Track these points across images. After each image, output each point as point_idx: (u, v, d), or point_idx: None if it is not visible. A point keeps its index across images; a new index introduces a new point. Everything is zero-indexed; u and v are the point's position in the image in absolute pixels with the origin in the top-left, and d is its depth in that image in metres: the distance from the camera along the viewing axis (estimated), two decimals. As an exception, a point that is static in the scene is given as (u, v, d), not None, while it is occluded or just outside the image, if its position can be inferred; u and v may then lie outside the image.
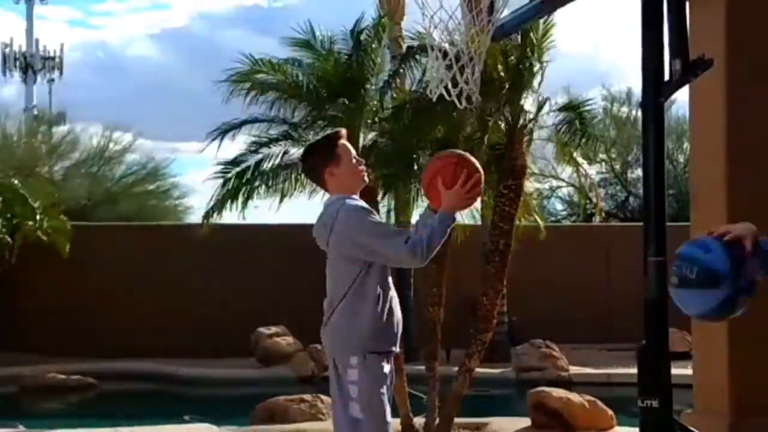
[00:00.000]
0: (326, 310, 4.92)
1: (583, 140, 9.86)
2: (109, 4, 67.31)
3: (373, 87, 10.32)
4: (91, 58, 48.14)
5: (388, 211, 10.59)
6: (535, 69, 9.75)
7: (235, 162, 10.24)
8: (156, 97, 41.90)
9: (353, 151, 4.91)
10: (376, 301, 4.82)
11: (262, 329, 17.04)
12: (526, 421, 10.49)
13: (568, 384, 13.93)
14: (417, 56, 9.90)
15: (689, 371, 6.36)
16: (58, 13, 62.09)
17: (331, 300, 4.92)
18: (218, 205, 10.35)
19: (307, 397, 11.77)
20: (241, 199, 10.21)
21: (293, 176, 10.17)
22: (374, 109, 10.22)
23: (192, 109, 39.41)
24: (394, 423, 9.99)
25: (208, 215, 10.58)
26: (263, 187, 10.23)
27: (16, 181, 17.97)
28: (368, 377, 4.79)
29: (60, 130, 27.23)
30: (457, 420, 9.92)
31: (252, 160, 10.21)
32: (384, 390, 4.80)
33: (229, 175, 10.21)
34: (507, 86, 9.60)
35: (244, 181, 10.15)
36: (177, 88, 46.27)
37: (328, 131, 5.20)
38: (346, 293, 4.83)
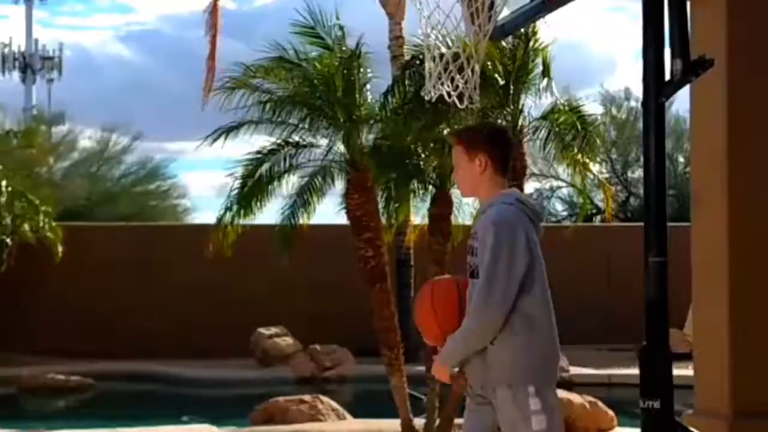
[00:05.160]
0: None
1: (585, 143, 9.86)
2: (73, 5, 67.39)
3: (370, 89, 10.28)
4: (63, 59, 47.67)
5: (388, 213, 10.57)
6: (534, 69, 9.75)
7: (248, 173, 10.22)
8: (139, 98, 41.68)
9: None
10: None
11: (261, 330, 17.04)
12: (526, 422, 10.46)
13: (569, 384, 13.91)
14: (418, 64, 9.82)
15: (690, 372, 6.33)
16: (16, 13, 61.93)
17: None
18: (238, 211, 10.32)
19: (307, 397, 11.76)
20: (255, 205, 10.23)
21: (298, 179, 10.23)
22: (374, 110, 10.19)
23: (178, 109, 39.36)
24: (394, 424, 10.00)
25: (231, 220, 10.45)
26: (272, 191, 10.25)
27: (12, 185, 17.94)
28: None
29: (59, 129, 27.23)
30: (457, 421, 9.90)
31: (263, 168, 10.20)
32: None
33: (247, 185, 10.21)
34: (506, 87, 9.59)
35: (258, 188, 10.16)
36: (158, 89, 46.13)
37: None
38: None
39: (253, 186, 10.18)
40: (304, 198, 10.19)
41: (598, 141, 10.19)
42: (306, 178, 10.23)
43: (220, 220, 10.42)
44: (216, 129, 10.31)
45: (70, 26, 63.22)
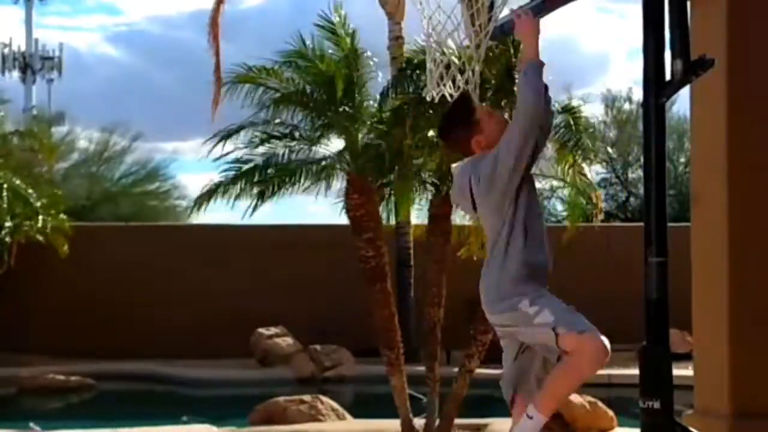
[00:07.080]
0: None
1: (578, 144, 9.86)
2: (59, 6, 67.44)
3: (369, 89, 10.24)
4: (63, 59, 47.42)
5: (388, 212, 10.57)
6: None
7: (242, 161, 10.15)
8: (133, 99, 41.59)
9: (484, 107, 4.80)
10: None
11: (261, 330, 17.03)
12: (526, 422, 10.45)
13: (569, 384, 13.88)
14: (416, 70, 9.77)
15: (690, 372, 6.34)
16: (14, 13, 61.60)
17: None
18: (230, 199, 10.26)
19: (307, 398, 11.76)
20: (251, 200, 10.18)
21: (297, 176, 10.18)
22: (373, 110, 10.18)
23: (172, 109, 39.37)
24: (394, 424, 10.00)
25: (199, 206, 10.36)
26: (273, 187, 10.20)
27: (18, 181, 17.94)
28: None
29: (59, 130, 27.21)
30: (457, 421, 9.90)
31: (259, 160, 10.15)
32: None
33: (239, 175, 10.14)
34: (505, 86, 9.57)
35: (254, 181, 10.10)
36: (151, 90, 46.06)
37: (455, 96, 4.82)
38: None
39: (255, 182, 10.14)
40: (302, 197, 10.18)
41: (588, 143, 10.16)
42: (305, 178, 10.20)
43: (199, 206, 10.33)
44: (216, 133, 10.26)
45: (58, 26, 63.10)
